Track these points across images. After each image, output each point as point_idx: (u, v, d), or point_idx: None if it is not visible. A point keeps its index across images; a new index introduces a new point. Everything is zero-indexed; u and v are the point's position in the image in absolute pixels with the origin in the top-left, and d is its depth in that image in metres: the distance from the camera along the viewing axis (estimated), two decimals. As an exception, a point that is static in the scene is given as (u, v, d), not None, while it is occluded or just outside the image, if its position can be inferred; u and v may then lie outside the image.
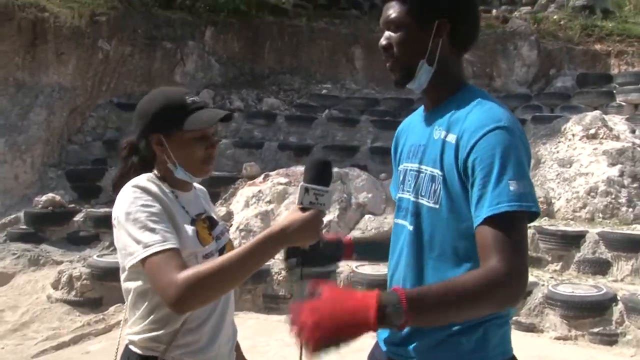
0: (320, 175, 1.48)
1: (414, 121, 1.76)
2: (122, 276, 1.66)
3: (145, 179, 1.65)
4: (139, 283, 1.61)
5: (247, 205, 7.06)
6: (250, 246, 1.45)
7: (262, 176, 7.43)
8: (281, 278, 5.78)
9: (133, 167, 1.72)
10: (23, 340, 4.96)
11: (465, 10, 1.57)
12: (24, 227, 6.99)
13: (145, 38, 9.61)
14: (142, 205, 1.55)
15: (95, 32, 8.97)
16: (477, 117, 1.47)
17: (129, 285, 1.64)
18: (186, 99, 1.68)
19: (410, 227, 1.60)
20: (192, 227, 1.65)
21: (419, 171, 1.60)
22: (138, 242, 1.51)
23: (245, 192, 7.30)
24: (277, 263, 5.97)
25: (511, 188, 1.36)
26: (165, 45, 9.82)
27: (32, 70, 8.45)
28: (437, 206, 1.52)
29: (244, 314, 5.59)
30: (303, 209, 1.45)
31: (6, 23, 8.31)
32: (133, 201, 1.56)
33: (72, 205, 7.35)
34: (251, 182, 7.45)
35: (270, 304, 5.70)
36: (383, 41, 1.59)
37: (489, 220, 1.37)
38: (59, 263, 6.31)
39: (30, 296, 5.89)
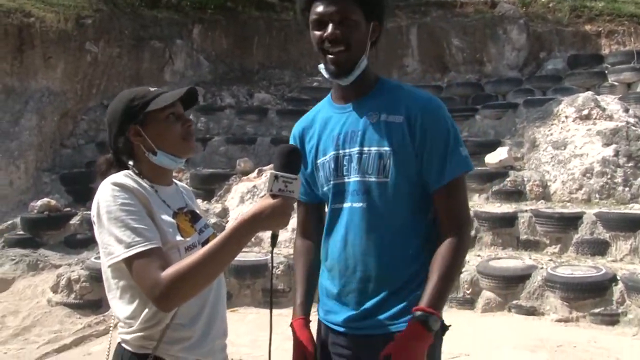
0: (288, 163, 1.53)
1: (323, 116, 1.90)
2: (105, 274, 1.66)
3: (122, 175, 1.65)
4: (123, 280, 1.60)
5: (242, 200, 7.05)
6: (226, 235, 1.49)
7: (256, 171, 7.42)
8: (280, 272, 5.77)
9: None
10: (25, 345, 4.95)
11: (385, 17, 1.83)
12: (21, 232, 6.98)
13: (133, 39, 9.56)
14: (122, 204, 1.55)
15: (82, 35, 8.91)
16: (415, 98, 1.77)
17: (112, 283, 1.64)
18: (149, 88, 1.74)
19: (360, 205, 1.77)
20: (173, 221, 1.66)
21: (361, 153, 1.76)
22: (120, 241, 1.52)
23: (239, 187, 7.29)
24: (275, 257, 5.97)
25: (463, 154, 1.75)
26: (153, 44, 9.78)
27: (21, 75, 8.40)
28: (387, 179, 1.73)
29: (244, 309, 5.60)
30: (273, 196, 1.50)
31: (-9, 29, 8.26)
32: (113, 199, 1.56)
33: (68, 208, 7.33)
34: (245, 177, 7.44)
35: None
36: (336, 30, 1.70)
37: (453, 181, 1.73)
38: (58, 267, 6.30)
39: (31, 301, 5.89)
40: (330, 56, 1.72)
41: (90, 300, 5.54)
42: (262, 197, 1.54)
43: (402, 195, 1.74)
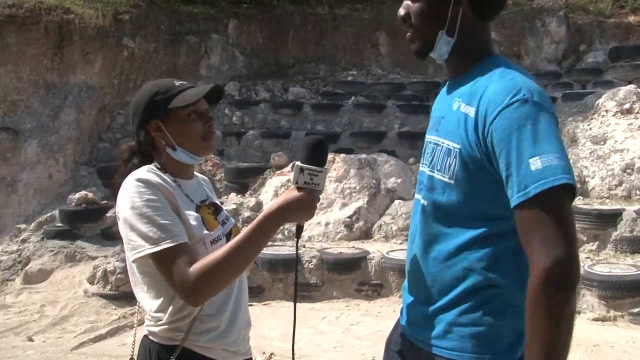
0: (315, 155, 1.51)
1: (442, 93, 1.68)
2: (130, 269, 1.67)
3: (145, 171, 1.65)
4: (149, 275, 1.61)
5: (276, 194, 7.08)
6: (252, 228, 1.49)
7: (290, 165, 7.43)
8: (312, 266, 5.79)
9: (134, 167, 1.71)
10: (63, 334, 5.08)
11: None
12: (60, 224, 7.14)
13: (169, 34, 9.68)
14: (147, 200, 1.56)
15: (119, 31, 9.06)
16: (496, 89, 1.39)
17: (139, 278, 1.65)
18: (174, 82, 1.72)
19: (424, 202, 1.56)
20: (197, 214, 1.67)
21: (436, 144, 1.54)
22: (146, 237, 1.52)
23: (274, 182, 7.32)
24: (307, 251, 5.98)
25: (532, 168, 1.29)
26: (189, 39, 9.88)
27: (61, 71, 8.59)
28: (452, 182, 1.46)
29: (276, 303, 5.62)
30: (299, 188, 1.49)
31: (33, 27, 8.44)
32: (138, 195, 1.56)
33: (105, 201, 7.46)
34: (279, 171, 7.46)
35: (302, 292, 5.70)
36: (401, 11, 1.56)
37: (522, 206, 1.31)
38: (94, 258, 6.44)
39: (69, 291, 6.04)
40: (407, 35, 1.58)
41: (125, 292, 5.63)
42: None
43: (468, 202, 1.45)
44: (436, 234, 1.52)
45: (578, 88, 9.20)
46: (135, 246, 1.54)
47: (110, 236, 6.97)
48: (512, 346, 1.45)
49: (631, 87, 7.53)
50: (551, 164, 1.29)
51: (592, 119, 7.33)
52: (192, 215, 1.64)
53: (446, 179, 1.48)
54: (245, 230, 1.50)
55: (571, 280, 1.27)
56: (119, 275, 5.71)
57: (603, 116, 7.23)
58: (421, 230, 1.57)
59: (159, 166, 1.71)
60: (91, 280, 5.88)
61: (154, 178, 1.62)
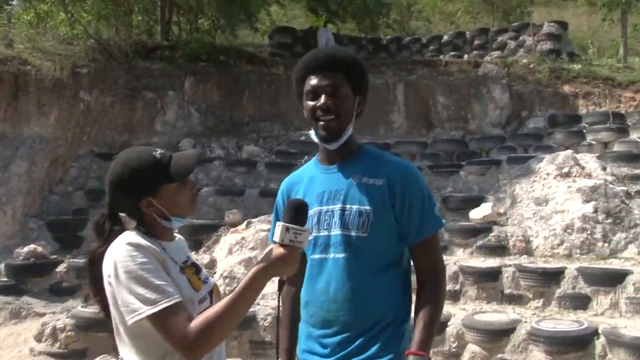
0: (298, 215, 1.67)
1: (309, 175, 2.14)
2: (118, 333, 1.69)
3: (134, 234, 1.70)
4: (142, 339, 1.65)
5: (230, 252, 7.08)
6: (246, 283, 1.60)
7: (245, 223, 7.47)
8: (267, 324, 5.77)
9: (118, 233, 1.73)
10: (5, 396, 4.88)
11: (367, 93, 2.09)
12: (5, 279, 6.90)
13: (126, 88, 9.74)
14: (141, 263, 1.61)
15: (76, 84, 9.09)
16: (397, 165, 2.03)
17: (127, 341, 1.68)
18: (154, 154, 1.76)
19: (342, 255, 1.97)
20: (184, 276, 1.74)
21: (343, 210, 1.98)
22: (143, 299, 1.58)
23: (228, 239, 7.32)
24: (262, 309, 5.97)
25: (437, 214, 2.02)
26: (145, 95, 9.95)
27: (14, 122, 8.50)
28: (366, 234, 1.95)
29: (231, 361, 5.56)
30: (283, 246, 1.63)
31: (-13, 77, 8.38)
32: (131, 259, 1.61)
33: (54, 255, 7.29)
34: (234, 229, 7.48)
35: (257, 350, 5.67)
36: (328, 101, 1.95)
37: (432, 236, 2.00)
38: (42, 315, 6.23)
39: (12, 349, 5.79)
40: (321, 123, 1.96)
41: (75, 350, 5.47)
42: (270, 246, 1.66)
43: (380, 247, 1.97)
44: (359, 278, 1.95)
45: (521, 152, 9.69)
46: (135, 309, 1.58)
47: (60, 292, 6.79)
48: (407, 343, 1.97)
49: (569, 152, 8.02)
50: (439, 213, 2.07)
51: (534, 181, 7.73)
52: (180, 278, 1.72)
53: (360, 234, 1.95)
54: (241, 285, 1.60)
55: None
56: (69, 332, 5.55)
57: (544, 179, 7.63)
58: (341, 279, 1.96)
59: (143, 230, 1.75)
60: (38, 338, 5.68)
61: (144, 241, 1.67)
